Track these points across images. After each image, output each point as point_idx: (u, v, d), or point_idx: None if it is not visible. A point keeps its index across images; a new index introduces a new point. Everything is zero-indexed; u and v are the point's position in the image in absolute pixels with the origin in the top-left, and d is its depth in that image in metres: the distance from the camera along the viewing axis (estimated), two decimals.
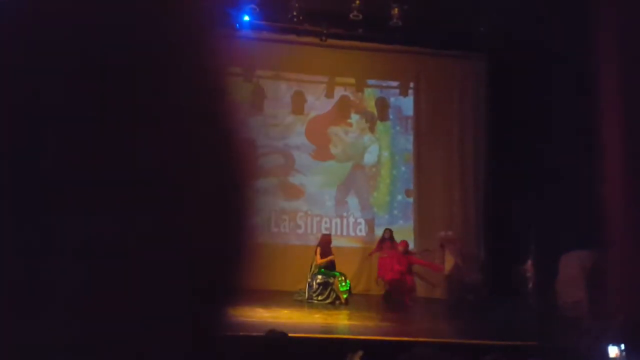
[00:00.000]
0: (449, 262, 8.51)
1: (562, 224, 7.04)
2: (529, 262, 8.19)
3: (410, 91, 9.74)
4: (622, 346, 1.97)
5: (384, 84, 9.80)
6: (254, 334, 4.74)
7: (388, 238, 8.47)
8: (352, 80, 9.63)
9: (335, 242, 8.32)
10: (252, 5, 7.75)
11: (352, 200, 9.54)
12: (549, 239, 7.28)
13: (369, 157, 9.78)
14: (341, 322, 6.58)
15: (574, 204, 6.78)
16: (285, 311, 7.12)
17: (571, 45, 6.08)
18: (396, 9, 7.74)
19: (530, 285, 7.92)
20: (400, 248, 8.13)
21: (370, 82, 9.74)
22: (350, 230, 9.26)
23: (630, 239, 5.01)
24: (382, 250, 8.38)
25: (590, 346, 2.10)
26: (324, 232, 8.63)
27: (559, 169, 7.33)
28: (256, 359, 1.88)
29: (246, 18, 8.21)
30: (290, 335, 3.31)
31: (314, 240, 8.71)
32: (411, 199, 9.69)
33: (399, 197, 9.72)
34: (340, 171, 9.62)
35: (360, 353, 4.89)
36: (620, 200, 5.18)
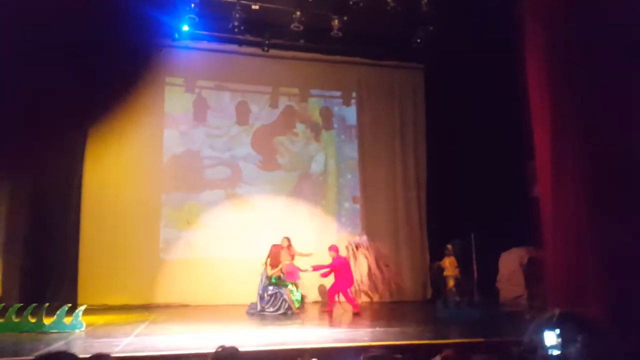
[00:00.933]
0: (361, 266, 8.80)
1: (500, 225, 7.41)
2: (445, 259, 8.57)
3: (353, 101, 9.96)
4: (558, 331, 2.10)
5: (327, 93, 9.98)
6: (203, 351, 4.62)
7: (287, 246, 8.45)
8: (295, 91, 9.72)
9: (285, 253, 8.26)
10: (191, 15, 7.62)
11: (301, 209, 9.54)
12: (489, 239, 7.64)
13: (316, 166, 9.85)
14: (294, 332, 6.53)
15: (510, 205, 7.17)
16: (237, 325, 6.97)
17: (501, 51, 6.46)
18: (336, 21, 7.91)
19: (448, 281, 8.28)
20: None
21: (314, 92, 9.87)
22: (300, 239, 9.21)
23: (560, 236, 5.32)
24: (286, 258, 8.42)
25: (531, 338, 2.21)
26: (273, 243, 8.55)
27: (494, 171, 7.74)
28: None
29: (185, 28, 8.06)
30: (241, 350, 3.23)
31: (263, 252, 8.60)
32: (358, 206, 9.85)
33: (346, 205, 9.85)
34: (287, 181, 9.62)
35: None
36: (550, 199, 5.50)
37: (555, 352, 2.03)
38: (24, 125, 5.79)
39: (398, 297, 9.20)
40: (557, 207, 5.36)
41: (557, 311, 2.23)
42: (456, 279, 8.64)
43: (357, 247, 8.81)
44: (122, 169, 8.64)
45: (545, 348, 2.04)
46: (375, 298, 9.17)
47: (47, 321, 6.05)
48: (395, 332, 6.46)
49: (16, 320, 6.04)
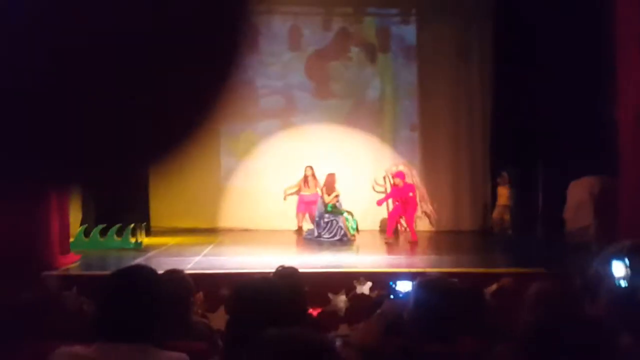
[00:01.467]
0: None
1: (570, 151, 6.95)
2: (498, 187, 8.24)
3: (413, 18, 9.26)
4: (627, 262, 1.97)
5: (384, 11, 9.28)
6: (265, 270, 4.88)
7: (311, 175, 8.54)
8: (350, 10, 9.15)
9: (341, 181, 8.33)
10: None
11: (356, 138, 9.42)
12: (558, 167, 7.24)
13: (371, 92, 9.50)
14: (349, 257, 6.72)
15: (583, 131, 6.67)
16: (295, 249, 7.28)
17: None
18: None
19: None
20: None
21: (370, 10, 9.25)
22: (355, 168, 9.21)
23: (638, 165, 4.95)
24: (306, 187, 8.56)
25: (597, 268, 2.11)
26: (329, 171, 8.62)
27: (567, 98, 7.14)
28: (267, 295, 1.91)
29: None
30: (300, 270, 3.37)
31: (320, 181, 8.71)
32: (416, 133, 9.56)
33: (403, 133, 9.57)
34: (342, 108, 9.43)
35: (369, 284, 5.04)
36: (631, 126, 5.06)
37: (623, 284, 1.92)
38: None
39: (457, 226, 9.12)
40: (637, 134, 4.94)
41: (628, 242, 2.08)
42: (508, 209, 8.40)
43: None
44: None
45: (612, 279, 1.96)
46: (432, 227, 9.15)
47: (132, 239, 6.72)
48: (451, 259, 6.49)
49: (101, 239, 6.72)
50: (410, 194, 7.83)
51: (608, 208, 5.62)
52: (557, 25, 7.23)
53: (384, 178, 9.01)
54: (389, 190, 8.60)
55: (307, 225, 8.67)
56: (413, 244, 7.68)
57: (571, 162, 6.82)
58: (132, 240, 6.76)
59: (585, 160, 6.49)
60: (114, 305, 1.44)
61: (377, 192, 8.92)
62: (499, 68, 8.84)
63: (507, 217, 8.48)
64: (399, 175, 8.06)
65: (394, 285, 2.31)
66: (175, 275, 2.54)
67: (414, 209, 8.10)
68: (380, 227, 9.07)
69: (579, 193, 6.44)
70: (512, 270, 5.24)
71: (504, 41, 8.59)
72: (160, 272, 2.60)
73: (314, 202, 8.47)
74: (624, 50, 4.99)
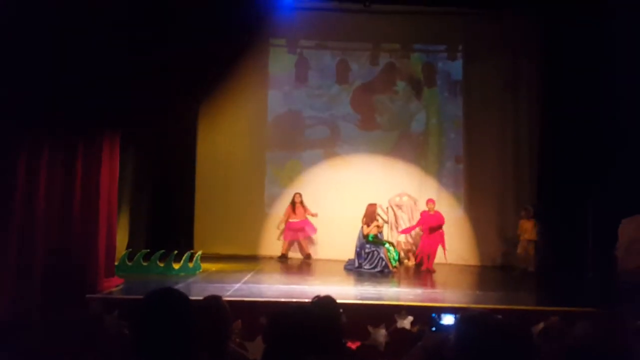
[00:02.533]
0: (401, 227, 8.64)
1: (621, 191, 6.66)
2: (521, 221, 8.15)
3: (459, 54, 9.34)
4: None
5: (431, 48, 9.43)
6: (304, 299, 4.92)
7: (299, 202, 8.70)
8: (397, 46, 9.34)
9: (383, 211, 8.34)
10: None
11: (399, 169, 9.42)
12: (608, 206, 6.93)
13: (416, 125, 9.55)
14: (390, 289, 6.64)
15: (635, 170, 6.39)
16: (335, 279, 7.27)
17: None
18: None
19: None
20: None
21: (417, 46, 9.42)
22: (397, 200, 9.18)
23: None
24: (292, 215, 8.71)
25: None
26: (370, 201, 8.63)
27: (619, 133, 6.89)
28: (304, 324, 1.95)
29: None
30: (339, 301, 3.37)
31: (360, 211, 8.74)
32: (461, 166, 9.45)
33: (448, 164, 9.50)
34: (386, 140, 9.50)
35: (410, 318, 4.94)
36: None
37: None
38: (145, 89, 6.42)
39: (505, 262, 8.84)
40: None
41: None
42: (533, 244, 8.02)
43: (398, 207, 8.55)
44: (231, 129, 9.27)
45: None
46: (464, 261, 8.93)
47: (175, 265, 6.89)
48: (495, 296, 6.28)
49: (144, 264, 6.92)
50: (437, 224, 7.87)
51: None
52: (605, 59, 7.06)
53: (387, 209, 8.98)
54: (391, 219, 8.72)
55: (293, 254, 8.89)
56: (430, 273, 7.60)
57: (623, 199, 6.52)
58: (176, 266, 6.91)
59: (637, 197, 6.20)
60: (143, 328, 1.48)
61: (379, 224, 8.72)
62: (546, 102, 8.65)
63: (531, 252, 8.12)
64: (431, 201, 8.14)
65: (436, 318, 2.29)
66: (213, 302, 2.57)
67: (442, 238, 8.00)
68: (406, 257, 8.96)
69: (631, 231, 6.13)
70: (560, 309, 4.99)
71: (552, 75, 8.43)
72: (199, 298, 2.69)
73: (302, 229, 8.74)
74: None
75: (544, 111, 8.73)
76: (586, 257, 7.60)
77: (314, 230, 8.88)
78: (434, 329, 2.23)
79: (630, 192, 6.39)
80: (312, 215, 8.90)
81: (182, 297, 1.59)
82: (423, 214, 8.24)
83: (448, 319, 2.24)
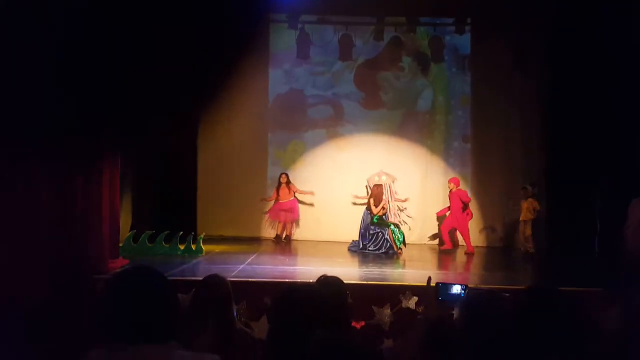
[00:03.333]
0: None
1: (633, 167, 6.54)
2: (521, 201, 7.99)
3: (467, 27, 9.02)
4: None
5: (438, 21, 9.09)
6: (308, 280, 4.88)
7: (285, 183, 8.52)
8: (402, 20, 9.04)
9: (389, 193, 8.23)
10: None
11: (405, 149, 9.28)
12: (619, 185, 6.80)
13: (423, 103, 9.32)
14: (395, 270, 6.60)
15: None
16: (339, 260, 7.24)
17: None
18: None
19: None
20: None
21: (423, 20, 9.10)
22: (403, 180, 9.06)
23: None
24: (279, 195, 8.52)
25: None
26: (376, 182, 8.54)
27: (628, 111, 6.73)
28: (309, 303, 1.88)
29: None
30: (345, 282, 3.32)
31: (364, 192, 8.66)
32: (468, 145, 9.29)
33: (456, 144, 9.32)
34: (391, 119, 9.33)
35: (415, 299, 4.90)
36: None
37: None
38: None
39: (509, 243, 8.76)
40: None
41: None
42: (530, 224, 7.91)
43: (377, 187, 8.45)
44: (232, 110, 9.07)
45: None
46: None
47: (180, 246, 6.86)
48: (503, 276, 6.23)
49: (149, 245, 6.92)
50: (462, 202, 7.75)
51: None
52: (615, 40, 6.85)
53: (366, 187, 8.73)
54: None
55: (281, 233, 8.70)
56: (469, 256, 7.46)
57: (633, 179, 6.40)
58: (181, 247, 6.88)
59: None
60: (128, 306, 1.38)
61: (357, 204, 8.61)
62: (556, 80, 8.43)
63: (528, 232, 8.00)
64: (452, 180, 8.02)
65: (443, 287, 2.23)
66: (215, 280, 2.55)
67: (467, 217, 7.91)
68: (428, 240, 8.91)
69: None
70: (568, 289, 4.92)
71: (562, 52, 8.19)
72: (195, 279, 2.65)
73: (290, 210, 8.58)
74: None
75: (554, 89, 8.51)
76: (595, 237, 7.52)
77: (298, 214, 8.74)
78: (440, 298, 2.18)
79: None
80: (307, 193, 8.81)
81: (159, 275, 1.49)
82: (449, 194, 8.12)
83: (455, 289, 2.19)
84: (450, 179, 8.17)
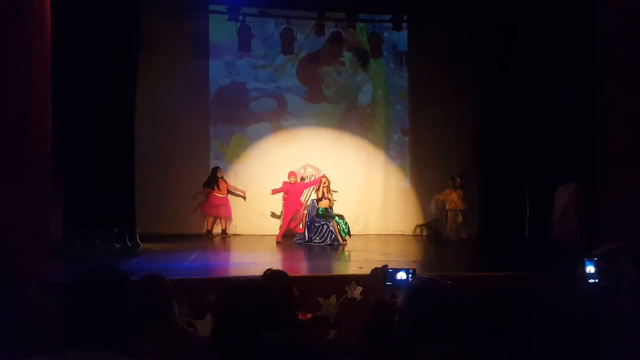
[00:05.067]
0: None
1: (559, 161, 7.03)
2: (447, 191, 8.32)
3: (404, 25, 9.28)
4: (598, 263, 2.08)
5: (376, 17, 9.27)
6: (253, 275, 4.83)
7: (220, 177, 8.60)
8: (342, 15, 9.14)
9: (332, 185, 8.30)
10: None
11: (348, 142, 9.42)
12: (547, 175, 7.29)
13: (363, 97, 9.53)
14: (340, 261, 6.69)
15: (571, 140, 6.74)
16: (285, 253, 7.23)
17: None
18: None
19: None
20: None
21: (362, 16, 9.25)
22: (346, 172, 9.20)
23: (622, 172, 5.02)
24: (216, 190, 8.55)
25: (576, 270, 2.20)
26: (320, 174, 8.61)
27: (556, 105, 7.22)
28: (254, 299, 1.86)
29: None
30: (291, 275, 3.32)
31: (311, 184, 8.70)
32: (407, 138, 9.59)
33: (395, 137, 9.60)
34: (334, 113, 9.42)
35: (359, 288, 4.99)
36: (617, 135, 5.14)
37: (591, 281, 2.06)
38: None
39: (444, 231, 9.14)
40: (622, 137, 5.03)
41: (611, 245, 2.10)
42: (461, 213, 8.30)
43: (302, 179, 8.64)
44: (171, 101, 8.73)
45: (585, 279, 2.07)
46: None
47: (115, 244, 6.53)
48: (437, 263, 6.49)
49: (81, 245, 6.51)
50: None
51: (593, 212, 5.68)
52: (544, 33, 7.32)
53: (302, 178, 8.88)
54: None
55: (217, 229, 8.70)
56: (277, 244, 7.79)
57: (561, 169, 6.89)
58: (117, 246, 6.55)
59: (573, 166, 6.56)
60: (77, 311, 1.34)
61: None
62: (487, 74, 8.89)
63: (459, 220, 8.40)
64: (291, 174, 8.27)
65: (391, 272, 2.28)
66: (153, 280, 2.45)
67: (290, 209, 8.16)
68: (372, 231, 9.10)
69: (565, 198, 6.52)
70: (503, 274, 5.21)
71: (491, 48, 8.63)
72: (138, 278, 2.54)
73: (224, 205, 8.56)
74: (611, 65, 5.09)
75: (485, 84, 8.96)
76: (524, 224, 8.03)
77: (230, 209, 8.66)
78: (388, 283, 2.24)
79: (566, 162, 6.75)
80: (239, 191, 8.77)
81: (119, 276, 1.43)
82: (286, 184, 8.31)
83: (402, 274, 2.26)
84: (290, 173, 8.32)
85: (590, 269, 2.18)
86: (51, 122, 5.72)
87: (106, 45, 7.38)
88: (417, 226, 9.30)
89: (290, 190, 8.22)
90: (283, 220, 8.24)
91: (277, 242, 7.91)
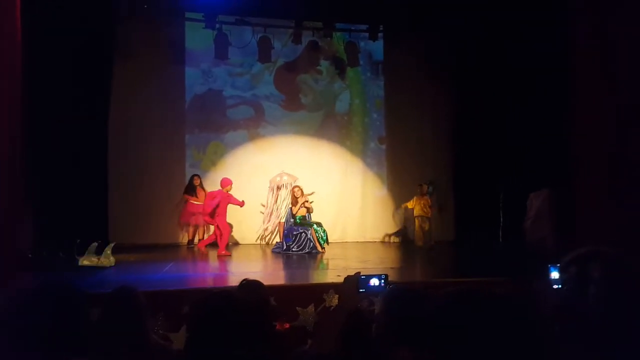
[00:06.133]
0: (280, 207, 8.57)
1: (531, 167, 7.20)
2: (415, 199, 8.28)
3: (380, 35, 9.39)
4: (563, 269, 2.14)
5: (353, 27, 9.36)
6: (230, 285, 4.78)
7: (198, 185, 8.47)
8: (319, 25, 9.20)
9: (308, 192, 8.30)
10: None
11: (325, 150, 9.44)
12: (520, 182, 7.44)
13: (341, 105, 9.59)
14: (319, 270, 6.67)
15: (543, 147, 6.92)
16: (263, 263, 7.16)
17: None
18: None
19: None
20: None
21: (339, 25, 9.33)
22: (324, 180, 9.21)
23: (593, 179, 5.15)
24: (193, 197, 8.37)
25: (543, 275, 2.26)
26: (297, 183, 8.59)
27: (530, 113, 7.41)
28: (229, 310, 1.83)
29: None
30: (267, 284, 3.29)
31: (287, 192, 8.67)
32: (384, 146, 9.67)
33: (372, 145, 9.68)
34: (311, 121, 9.45)
35: (337, 297, 4.98)
36: (587, 142, 5.29)
37: (557, 288, 2.07)
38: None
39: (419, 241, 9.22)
40: (593, 145, 5.18)
41: (582, 250, 2.15)
42: (427, 220, 8.30)
43: (279, 188, 8.65)
44: (146, 109, 8.60)
45: (551, 284, 2.11)
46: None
47: (79, 257, 6.23)
48: (418, 271, 6.53)
49: (50, 257, 6.29)
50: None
51: (565, 218, 5.82)
52: (517, 44, 7.51)
53: (270, 188, 8.73)
54: (270, 202, 8.58)
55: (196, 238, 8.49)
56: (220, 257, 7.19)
57: (532, 175, 7.05)
58: (93, 258, 6.27)
59: (546, 173, 6.73)
60: (27, 327, 1.29)
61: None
62: (462, 82, 9.07)
63: (426, 228, 8.34)
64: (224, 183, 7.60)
65: (365, 279, 2.27)
66: (125, 293, 2.40)
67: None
68: (351, 239, 9.11)
69: (537, 204, 6.66)
70: (477, 279, 5.28)
71: (466, 58, 8.82)
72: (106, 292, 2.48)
73: (202, 213, 8.16)
74: (580, 72, 5.25)
75: (460, 93, 9.14)
76: (498, 230, 8.17)
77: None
78: (362, 290, 2.23)
79: (539, 169, 6.92)
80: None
81: (65, 290, 1.39)
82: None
83: (375, 280, 2.26)
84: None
85: (555, 274, 2.22)
86: (21, 131, 5.55)
87: (80, 52, 7.26)
88: (385, 235, 9.35)
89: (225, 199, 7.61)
90: (225, 233, 7.54)
91: (220, 256, 7.25)
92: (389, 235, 9.34)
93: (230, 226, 7.82)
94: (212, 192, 7.72)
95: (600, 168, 5.05)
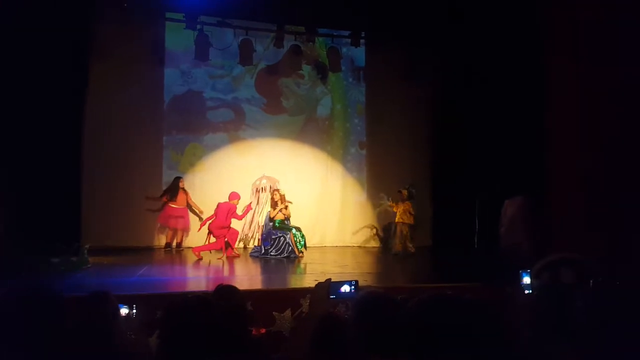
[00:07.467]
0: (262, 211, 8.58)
1: (509, 174, 7.33)
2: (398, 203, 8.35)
3: (362, 41, 9.47)
4: (533, 274, 2.21)
5: (335, 33, 9.42)
6: (205, 290, 4.72)
7: (182, 188, 8.39)
8: (301, 29, 9.23)
9: (289, 196, 8.27)
10: None
11: (306, 154, 9.44)
12: (498, 188, 7.56)
13: (322, 110, 9.61)
14: (296, 274, 6.65)
15: (521, 154, 7.05)
16: (241, 267, 7.11)
17: None
18: None
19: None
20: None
21: (322, 30, 9.37)
22: (304, 184, 9.21)
23: (566, 187, 5.27)
24: (172, 201, 8.29)
25: (516, 280, 2.33)
26: (277, 186, 8.57)
27: (507, 122, 7.55)
28: (203, 316, 1.81)
29: None
30: (244, 289, 3.27)
31: (267, 196, 8.65)
32: (364, 151, 9.73)
33: (353, 150, 9.72)
34: (293, 125, 9.44)
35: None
36: (562, 148, 5.41)
37: (528, 293, 2.19)
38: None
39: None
40: (565, 154, 5.31)
41: (555, 257, 2.20)
42: (407, 227, 8.32)
43: (257, 191, 8.66)
44: (123, 109, 8.45)
45: (523, 290, 2.16)
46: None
47: (54, 260, 6.12)
48: (389, 275, 6.57)
49: (22, 259, 6.10)
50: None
51: (539, 225, 5.94)
52: (494, 56, 7.66)
53: (251, 193, 8.83)
54: (253, 204, 8.56)
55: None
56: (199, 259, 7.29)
57: (508, 182, 7.18)
58: (68, 260, 6.15)
59: (521, 180, 6.86)
60: (14, 331, 1.28)
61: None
62: (442, 89, 9.19)
63: (405, 233, 8.33)
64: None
65: (335, 285, 2.28)
66: (98, 297, 2.37)
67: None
68: (329, 243, 9.11)
69: (512, 211, 6.78)
70: (450, 285, 5.33)
71: (447, 64, 8.95)
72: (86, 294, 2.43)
73: (182, 216, 8.29)
74: (554, 82, 5.39)
75: (440, 99, 9.26)
76: (474, 235, 8.28)
77: (189, 222, 8.37)
78: (332, 296, 2.23)
79: (514, 177, 7.05)
80: (197, 209, 8.44)
81: (53, 294, 1.36)
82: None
83: (346, 286, 2.26)
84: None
85: (526, 280, 2.28)
86: None
87: (56, 50, 7.09)
88: (364, 239, 9.39)
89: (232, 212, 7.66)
90: (219, 241, 7.52)
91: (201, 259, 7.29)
92: (368, 240, 9.40)
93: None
94: (223, 205, 7.54)
95: (573, 176, 5.19)
